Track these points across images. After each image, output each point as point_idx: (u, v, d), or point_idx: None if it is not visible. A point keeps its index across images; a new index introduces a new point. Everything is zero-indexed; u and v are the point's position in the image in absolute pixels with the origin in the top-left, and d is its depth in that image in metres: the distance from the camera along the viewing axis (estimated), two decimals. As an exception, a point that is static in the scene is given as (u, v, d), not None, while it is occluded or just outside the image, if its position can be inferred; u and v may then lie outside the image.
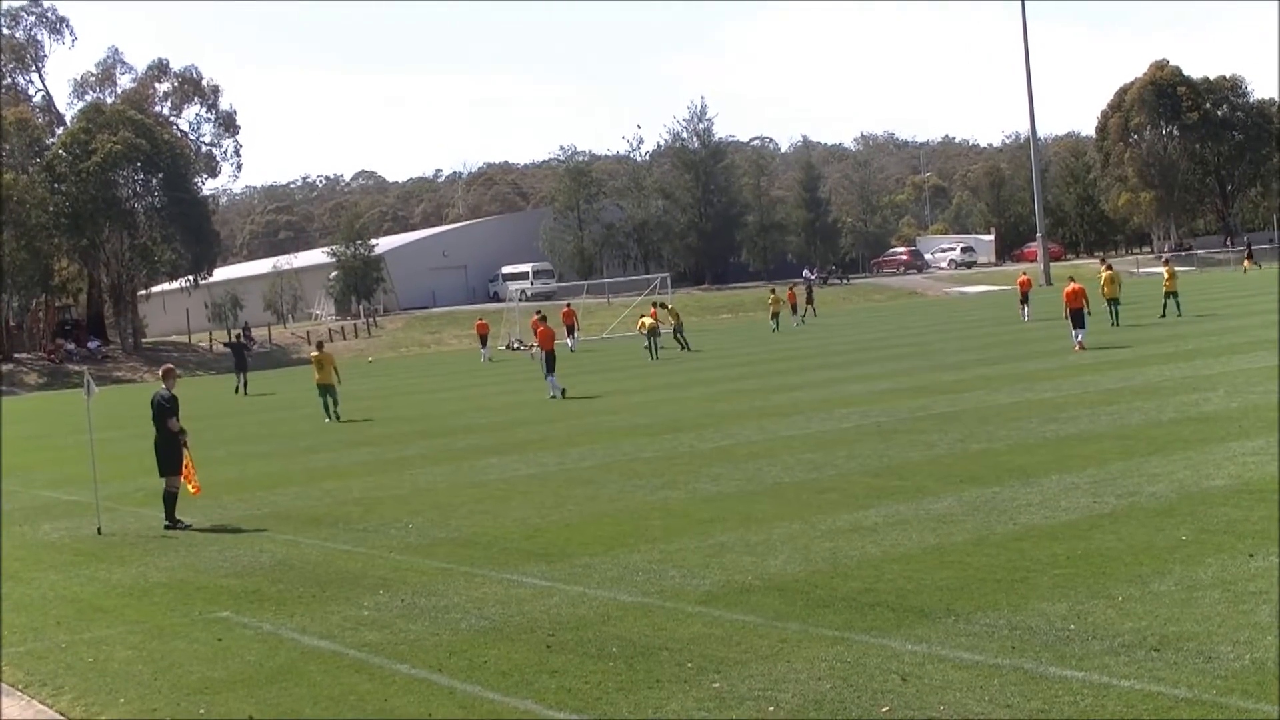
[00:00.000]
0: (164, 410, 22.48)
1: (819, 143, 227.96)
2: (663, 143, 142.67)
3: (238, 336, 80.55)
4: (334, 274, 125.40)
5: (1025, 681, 10.21)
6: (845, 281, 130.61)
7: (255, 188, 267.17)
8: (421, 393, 52.13)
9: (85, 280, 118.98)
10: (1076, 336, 41.96)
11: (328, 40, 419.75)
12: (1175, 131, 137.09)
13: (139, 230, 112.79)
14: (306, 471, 28.41)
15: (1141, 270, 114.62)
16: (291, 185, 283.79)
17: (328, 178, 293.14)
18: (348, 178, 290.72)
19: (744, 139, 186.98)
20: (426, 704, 11.16)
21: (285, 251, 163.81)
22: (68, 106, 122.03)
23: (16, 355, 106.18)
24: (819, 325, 78.84)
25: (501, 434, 32.12)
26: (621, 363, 59.03)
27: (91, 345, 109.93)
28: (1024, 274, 38.50)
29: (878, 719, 9.75)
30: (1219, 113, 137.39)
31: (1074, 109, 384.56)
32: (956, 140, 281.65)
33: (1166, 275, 55.10)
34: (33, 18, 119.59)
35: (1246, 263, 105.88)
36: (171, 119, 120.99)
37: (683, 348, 61.72)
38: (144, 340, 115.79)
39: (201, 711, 11.57)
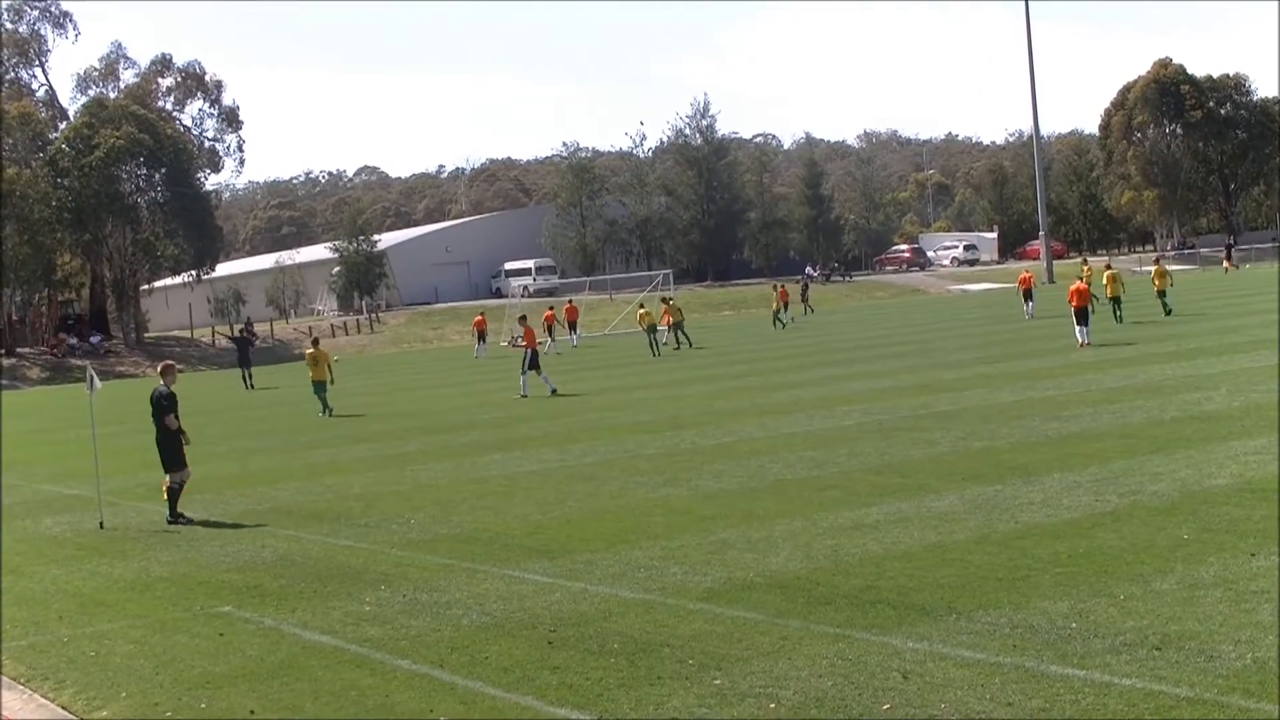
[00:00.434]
0: (162, 407, 22.42)
1: (822, 140, 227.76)
2: (665, 139, 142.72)
3: (242, 331, 79.83)
4: (337, 269, 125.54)
5: (1027, 680, 10.21)
6: (848, 279, 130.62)
7: (258, 183, 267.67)
8: (423, 389, 52.15)
9: (88, 275, 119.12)
10: (1080, 335, 41.77)
11: (330, 37, 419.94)
12: (1178, 130, 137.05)
13: (142, 225, 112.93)
14: (308, 467, 28.43)
15: (1144, 268, 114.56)
16: (294, 181, 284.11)
17: (330, 173, 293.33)
18: (350, 173, 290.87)
19: (747, 136, 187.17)
20: (428, 700, 11.17)
21: (288, 247, 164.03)
22: (71, 101, 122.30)
23: (19, 350, 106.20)
24: (820, 323, 78.83)
25: (503, 430, 32.13)
26: (623, 359, 59.03)
27: (94, 340, 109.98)
28: (1026, 271, 37.85)
29: (879, 717, 9.75)
30: (1222, 111, 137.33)
31: (1077, 107, 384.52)
32: (960, 138, 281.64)
33: (1155, 274, 54.45)
34: (36, 12, 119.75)
35: (1226, 264, 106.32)
36: (174, 114, 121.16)
37: (678, 345, 61.53)
38: (146, 335, 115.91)
39: (203, 706, 11.58)
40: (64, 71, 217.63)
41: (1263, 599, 11.83)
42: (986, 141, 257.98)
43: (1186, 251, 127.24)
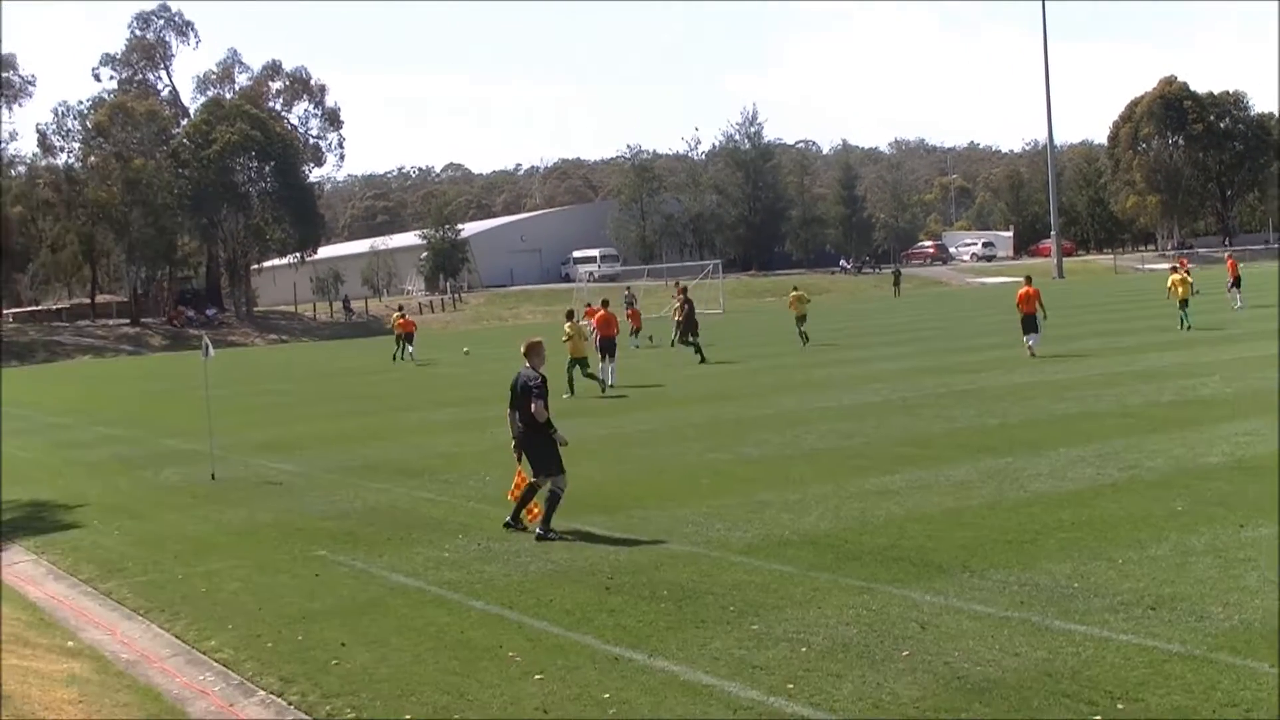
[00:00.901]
0: (531, 392, 15.54)
1: (857, 146, 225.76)
2: (717, 144, 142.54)
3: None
4: (424, 254, 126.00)
5: (1032, 633, 10.16)
6: (877, 270, 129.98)
7: (356, 176, 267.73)
8: (505, 359, 52.16)
9: (205, 255, 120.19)
10: (1028, 341, 35.26)
11: (425, 46, 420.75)
12: (1181, 141, 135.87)
13: (253, 212, 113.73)
14: (397, 428, 28.52)
15: (1146, 267, 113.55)
16: (388, 175, 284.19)
17: (420, 169, 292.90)
18: (438, 169, 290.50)
19: (790, 142, 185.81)
20: (498, 636, 11.21)
21: (381, 234, 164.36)
22: (191, 101, 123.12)
23: (143, 320, 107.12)
24: (854, 311, 78.41)
25: (570, 400, 32.10)
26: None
27: (209, 313, 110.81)
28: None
29: (899, 662, 9.72)
30: (1222, 124, 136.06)
31: (1088, 119, 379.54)
32: (980, 146, 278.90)
33: (1177, 283, 42.26)
34: (162, 21, 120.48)
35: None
36: (283, 114, 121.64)
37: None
38: (255, 309, 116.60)
39: (300, 638, 11.65)
40: (186, 74, 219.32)
41: (1249, 566, 11.72)
42: (1005, 149, 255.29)
43: (1185, 252, 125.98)
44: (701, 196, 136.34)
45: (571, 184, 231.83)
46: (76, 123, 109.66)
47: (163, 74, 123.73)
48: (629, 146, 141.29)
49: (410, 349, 55.13)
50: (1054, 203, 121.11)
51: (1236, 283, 50.97)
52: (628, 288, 77.15)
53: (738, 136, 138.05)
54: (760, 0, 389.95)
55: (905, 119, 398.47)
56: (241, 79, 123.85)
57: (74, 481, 23.49)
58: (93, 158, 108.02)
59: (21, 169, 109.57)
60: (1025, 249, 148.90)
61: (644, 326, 55.39)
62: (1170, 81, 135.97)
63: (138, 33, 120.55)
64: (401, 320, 57.41)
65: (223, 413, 32.24)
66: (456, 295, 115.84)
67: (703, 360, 41.21)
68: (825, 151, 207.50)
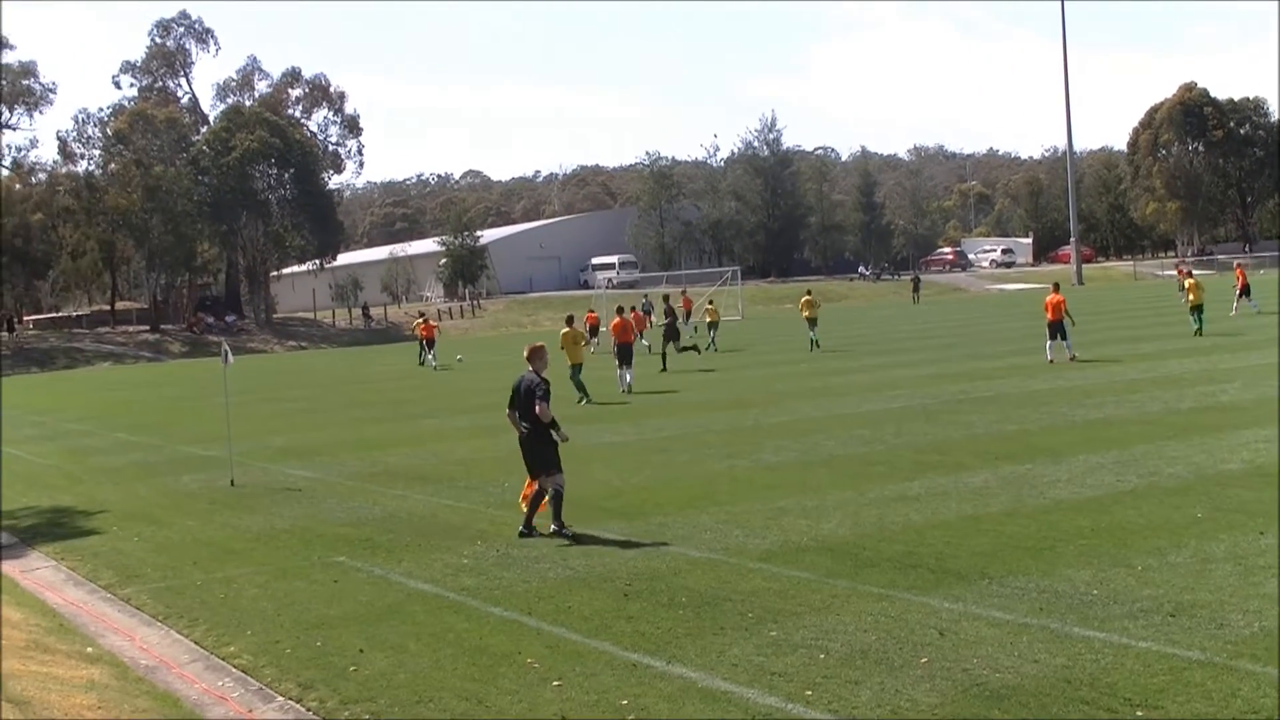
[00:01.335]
0: (536, 394, 16.07)
1: (876, 153, 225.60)
2: (736, 151, 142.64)
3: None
4: (443, 261, 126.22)
5: (1051, 640, 10.13)
6: (896, 277, 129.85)
7: (375, 183, 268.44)
8: (522, 366, 52.12)
9: (224, 262, 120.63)
10: (1050, 348, 35.53)
11: (445, 54, 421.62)
12: (1200, 148, 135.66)
13: (272, 218, 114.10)
14: (415, 435, 28.55)
15: (1166, 273, 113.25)
16: (407, 182, 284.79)
17: (439, 176, 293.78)
18: (457, 176, 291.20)
19: (808, 148, 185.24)
20: (517, 642, 11.21)
21: (400, 240, 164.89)
22: (211, 108, 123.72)
23: (162, 327, 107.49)
24: (870, 317, 78.33)
25: (587, 407, 32.11)
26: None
27: (228, 319, 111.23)
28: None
29: (917, 669, 9.70)
30: (1241, 131, 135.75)
31: (1108, 126, 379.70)
32: (1000, 152, 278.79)
33: (1190, 289, 43.14)
34: (182, 28, 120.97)
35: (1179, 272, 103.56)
36: (302, 121, 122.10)
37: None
38: (275, 316, 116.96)
39: (318, 644, 11.66)
40: (206, 81, 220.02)
41: (1270, 573, 11.66)
42: (1024, 156, 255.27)
43: (1205, 258, 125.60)
44: (720, 203, 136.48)
45: (590, 191, 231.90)
46: (97, 130, 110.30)
47: (183, 81, 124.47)
48: (648, 153, 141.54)
49: (431, 355, 55.40)
50: (1073, 209, 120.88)
51: (1245, 291, 51.18)
52: (645, 295, 77.21)
53: (757, 143, 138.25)
54: (781, 3, 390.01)
55: (924, 125, 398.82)
56: (261, 86, 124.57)
57: (94, 487, 23.58)
58: (113, 165, 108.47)
59: (42, 176, 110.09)
60: (1044, 255, 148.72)
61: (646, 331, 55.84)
62: (1190, 88, 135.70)
63: (158, 40, 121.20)
64: (423, 326, 57.83)
65: (242, 419, 32.33)
66: (475, 302, 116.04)
67: (663, 369, 41.99)
68: (844, 158, 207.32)
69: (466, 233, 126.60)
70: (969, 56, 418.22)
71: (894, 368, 37.73)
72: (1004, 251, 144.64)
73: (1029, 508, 15.35)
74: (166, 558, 16.35)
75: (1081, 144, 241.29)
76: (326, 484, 21.78)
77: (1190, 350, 36.00)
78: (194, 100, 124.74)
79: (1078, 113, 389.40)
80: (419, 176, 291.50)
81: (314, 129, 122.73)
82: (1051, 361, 34.61)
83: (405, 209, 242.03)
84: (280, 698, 10.32)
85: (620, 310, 39.01)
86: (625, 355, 36.15)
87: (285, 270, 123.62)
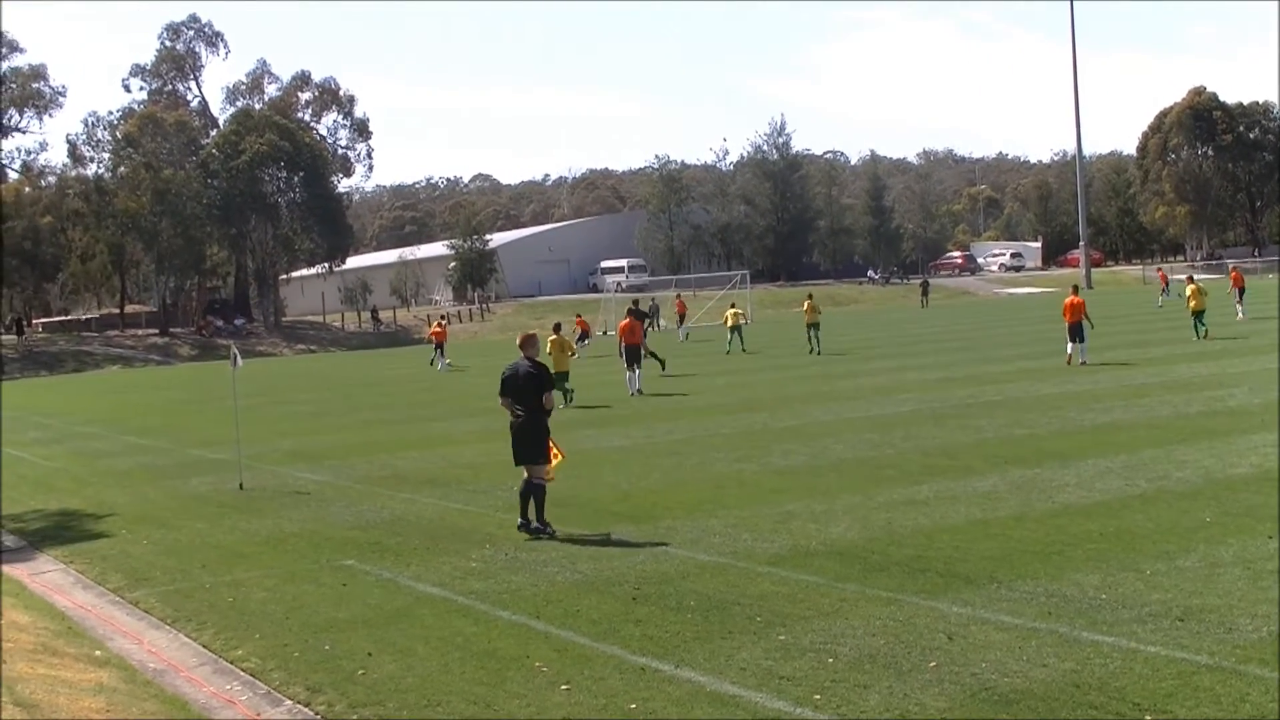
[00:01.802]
0: (539, 381, 16.33)
1: (885, 157, 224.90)
2: (745, 154, 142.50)
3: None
4: (452, 264, 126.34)
5: (1060, 644, 10.12)
6: (906, 281, 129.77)
7: (384, 186, 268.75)
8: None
9: (233, 265, 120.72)
10: (1071, 350, 35.79)
11: (453, 57, 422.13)
12: (1210, 152, 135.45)
13: (281, 222, 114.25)
14: (424, 438, 28.57)
15: (1175, 278, 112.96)
16: (416, 185, 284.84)
17: (448, 179, 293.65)
18: (466, 179, 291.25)
19: (818, 152, 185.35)
20: (525, 646, 11.21)
21: (409, 244, 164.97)
22: (220, 111, 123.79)
23: (171, 330, 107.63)
24: (882, 320, 78.23)
25: (596, 410, 32.14)
26: (703, 350, 58.91)
27: (237, 322, 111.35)
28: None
29: (925, 673, 9.69)
30: (1250, 135, 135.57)
31: (1117, 130, 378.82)
32: (1009, 156, 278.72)
33: (1191, 294, 43.41)
34: (192, 32, 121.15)
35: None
36: (312, 124, 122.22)
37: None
38: (284, 319, 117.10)
39: (327, 648, 11.67)
40: (215, 85, 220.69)
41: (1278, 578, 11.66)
42: (1033, 160, 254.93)
43: (1215, 262, 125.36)
44: (729, 207, 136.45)
45: (599, 194, 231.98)
46: (107, 133, 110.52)
47: (192, 84, 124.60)
48: (657, 157, 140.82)
49: (442, 356, 56.01)
50: (1083, 213, 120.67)
51: (1240, 294, 51.61)
52: (652, 299, 77.35)
53: (766, 147, 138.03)
54: (790, 4, 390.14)
55: (933, 129, 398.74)
56: (271, 89, 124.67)
57: (102, 490, 23.62)
58: (122, 168, 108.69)
59: (52, 179, 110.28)
60: (1054, 260, 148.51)
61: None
62: (1199, 92, 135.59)
63: (168, 43, 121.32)
64: (436, 328, 58.73)
65: (250, 422, 32.37)
66: (484, 305, 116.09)
67: (663, 366, 42.17)
68: (854, 162, 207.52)
69: (475, 236, 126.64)
70: (978, 60, 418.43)
71: (903, 371, 37.70)
72: (1013, 255, 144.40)
73: (1038, 512, 15.33)
74: (175, 561, 16.38)
75: (1091, 148, 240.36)
76: (335, 487, 21.80)
77: (1199, 354, 35.95)
78: (203, 103, 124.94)
79: (1087, 116, 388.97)
80: (428, 180, 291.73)
81: (323, 132, 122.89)
82: (1071, 363, 34.90)
83: (414, 212, 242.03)
84: (288, 701, 10.33)
85: (630, 312, 38.99)
86: (634, 357, 36.15)
87: (294, 273, 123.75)
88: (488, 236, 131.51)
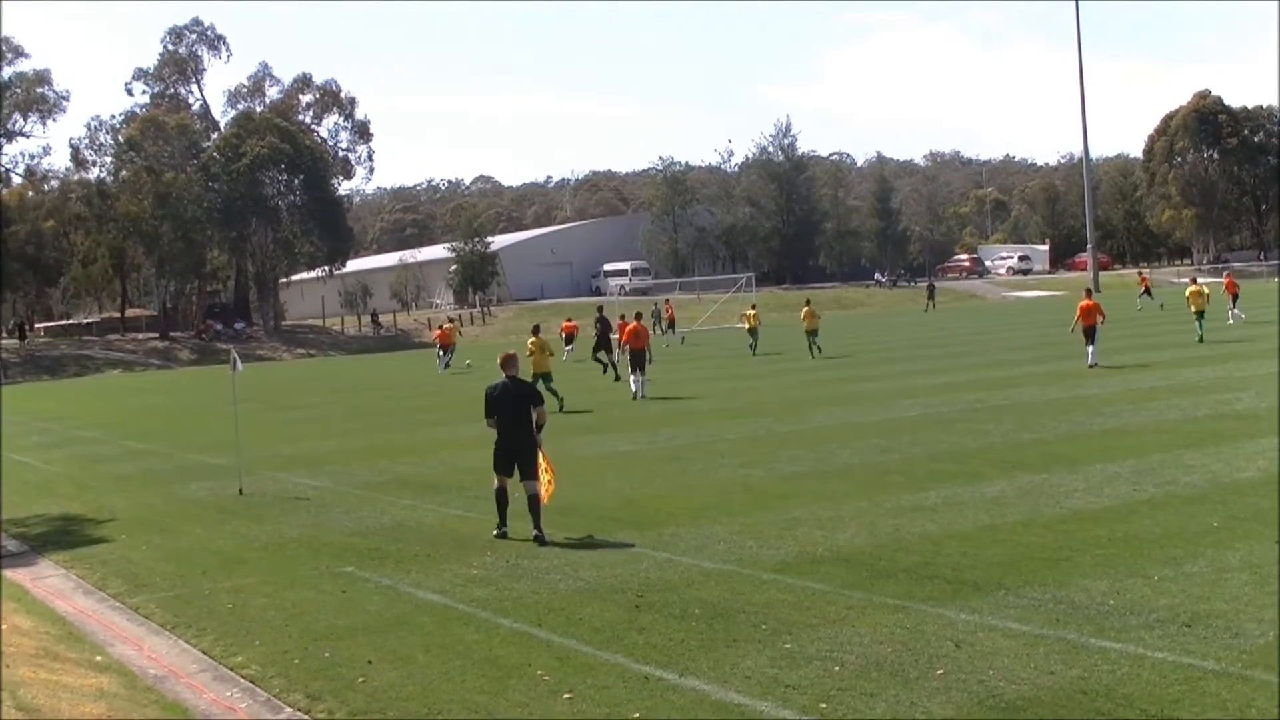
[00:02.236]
0: (530, 399, 16.77)
1: (892, 159, 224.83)
2: (751, 156, 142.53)
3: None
4: (453, 267, 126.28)
5: (1068, 651, 10.11)
6: (912, 284, 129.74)
7: (385, 189, 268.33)
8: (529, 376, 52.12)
9: (233, 268, 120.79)
10: (1091, 353, 36.07)
11: (455, 59, 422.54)
12: (1215, 155, 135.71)
13: (282, 225, 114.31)
14: (425, 443, 28.55)
15: (1181, 280, 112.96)
16: (417, 187, 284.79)
17: (450, 181, 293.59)
18: (468, 182, 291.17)
19: (824, 154, 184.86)
20: (527, 654, 11.20)
21: (410, 246, 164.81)
22: (222, 114, 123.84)
23: (171, 334, 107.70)
24: (887, 324, 78.20)
25: (599, 414, 32.14)
26: (707, 354, 58.91)
27: (237, 326, 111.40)
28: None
29: (933, 681, 9.68)
30: (1256, 139, 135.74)
31: (1123, 133, 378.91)
32: (1016, 159, 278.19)
33: (1191, 295, 44.07)
34: (194, 35, 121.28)
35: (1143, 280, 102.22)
36: (313, 127, 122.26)
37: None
38: (284, 323, 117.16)
39: (327, 655, 11.67)
40: (217, 88, 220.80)
41: (1286, 583, 11.65)
42: (1040, 162, 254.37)
43: (1221, 266, 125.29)
44: (734, 209, 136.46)
45: (603, 196, 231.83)
46: (109, 137, 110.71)
47: (194, 88, 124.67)
48: (661, 158, 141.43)
49: (445, 357, 56.60)
50: (1090, 216, 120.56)
51: (1233, 300, 52.48)
52: (655, 303, 77.49)
53: (771, 148, 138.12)
54: (797, 4, 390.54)
55: (941, 131, 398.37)
56: (272, 92, 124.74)
57: (102, 496, 23.62)
58: (124, 171, 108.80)
59: (54, 183, 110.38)
60: (1061, 262, 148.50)
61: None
62: (1205, 95, 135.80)
63: (170, 47, 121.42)
64: (441, 331, 59.23)
65: (250, 427, 32.37)
66: (486, 309, 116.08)
67: (616, 379, 41.66)
68: (860, 164, 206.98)
69: (477, 239, 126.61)
70: (985, 62, 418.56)
71: (909, 376, 37.69)
72: (1020, 258, 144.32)
73: (1045, 517, 15.32)
74: (175, 566, 16.38)
75: (1097, 151, 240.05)
76: (335, 493, 21.79)
77: (1206, 358, 35.93)
78: (205, 106, 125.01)
79: (1093, 120, 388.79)
80: (429, 182, 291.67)
81: (324, 135, 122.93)
82: (1091, 366, 35.08)
83: (415, 215, 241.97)
84: (288, 709, 10.33)
85: (639, 316, 38.92)
86: (638, 361, 36.06)
87: (294, 277, 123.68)
88: (489, 239, 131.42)
